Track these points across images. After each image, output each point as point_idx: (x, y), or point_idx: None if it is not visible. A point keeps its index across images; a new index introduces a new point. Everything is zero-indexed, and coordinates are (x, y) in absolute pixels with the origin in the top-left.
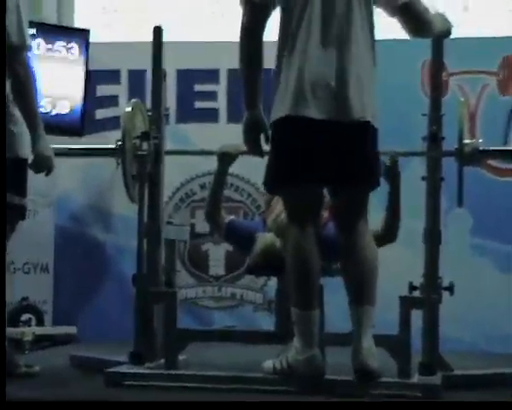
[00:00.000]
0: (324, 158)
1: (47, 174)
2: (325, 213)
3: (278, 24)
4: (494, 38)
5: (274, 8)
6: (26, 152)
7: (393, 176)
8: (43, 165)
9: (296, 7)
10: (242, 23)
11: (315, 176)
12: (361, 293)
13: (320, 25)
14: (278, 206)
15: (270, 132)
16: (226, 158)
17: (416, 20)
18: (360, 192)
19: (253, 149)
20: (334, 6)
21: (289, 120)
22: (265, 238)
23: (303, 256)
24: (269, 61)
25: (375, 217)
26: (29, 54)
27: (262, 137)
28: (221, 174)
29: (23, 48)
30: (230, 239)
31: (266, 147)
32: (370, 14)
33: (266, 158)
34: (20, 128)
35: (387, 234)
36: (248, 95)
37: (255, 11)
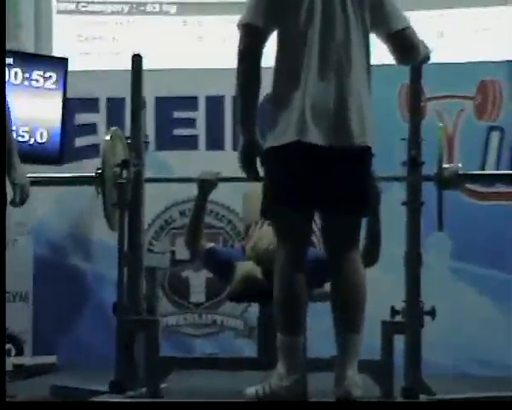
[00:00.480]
0: (325, 184)
1: (22, 203)
2: None
3: (275, 48)
4: (470, 63)
5: (272, 31)
6: None
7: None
8: (18, 193)
9: (295, 31)
10: (239, 47)
11: (315, 201)
12: (348, 320)
13: (319, 49)
14: (256, 233)
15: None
16: (206, 185)
17: (408, 48)
18: (355, 218)
19: (251, 173)
20: (334, 30)
21: (292, 147)
22: (245, 266)
23: (291, 283)
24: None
25: None
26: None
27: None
28: (201, 201)
29: None
30: (210, 267)
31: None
32: (367, 40)
33: (245, 185)
34: None
35: (368, 256)
36: (245, 120)
37: (252, 34)
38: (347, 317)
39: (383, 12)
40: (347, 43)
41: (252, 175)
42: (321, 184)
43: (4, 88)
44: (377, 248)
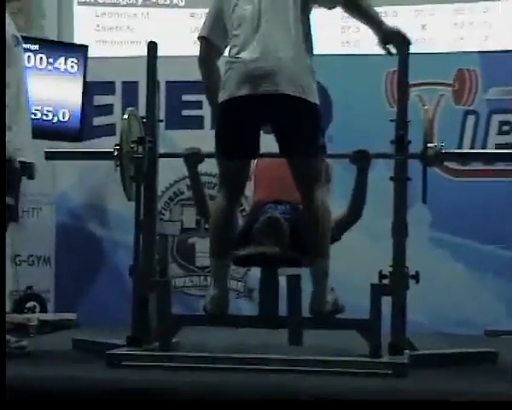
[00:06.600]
0: (255, 132)
1: (28, 178)
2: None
3: None
4: (450, 52)
5: (227, 45)
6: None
7: (361, 159)
8: (23, 170)
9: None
10: (198, 55)
11: (242, 151)
12: (314, 246)
13: (257, 21)
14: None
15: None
16: (190, 159)
17: (360, 16)
18: (304, 161)
19: None
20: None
21: (226, 103)
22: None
23: (222, 218)
24: None
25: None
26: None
27: None
28: (191, 173)
29: None
30: None
31: None
32: (306, 10)
33: None
34: (9, 136)
35: (353, 213)
36: (212, 106)
37: (208, 47)
38: (312, 243)
39: None
40: (286, 15)
41: None
42: (248, 133)
43: (5, 86)
44: (362, 204)
